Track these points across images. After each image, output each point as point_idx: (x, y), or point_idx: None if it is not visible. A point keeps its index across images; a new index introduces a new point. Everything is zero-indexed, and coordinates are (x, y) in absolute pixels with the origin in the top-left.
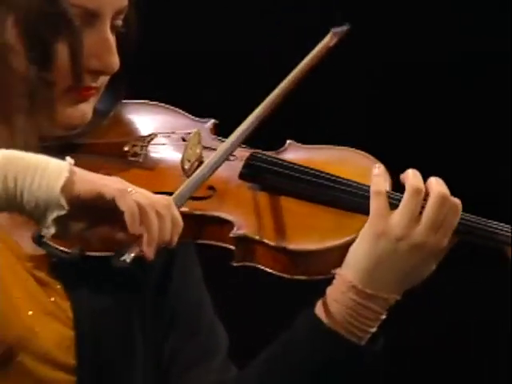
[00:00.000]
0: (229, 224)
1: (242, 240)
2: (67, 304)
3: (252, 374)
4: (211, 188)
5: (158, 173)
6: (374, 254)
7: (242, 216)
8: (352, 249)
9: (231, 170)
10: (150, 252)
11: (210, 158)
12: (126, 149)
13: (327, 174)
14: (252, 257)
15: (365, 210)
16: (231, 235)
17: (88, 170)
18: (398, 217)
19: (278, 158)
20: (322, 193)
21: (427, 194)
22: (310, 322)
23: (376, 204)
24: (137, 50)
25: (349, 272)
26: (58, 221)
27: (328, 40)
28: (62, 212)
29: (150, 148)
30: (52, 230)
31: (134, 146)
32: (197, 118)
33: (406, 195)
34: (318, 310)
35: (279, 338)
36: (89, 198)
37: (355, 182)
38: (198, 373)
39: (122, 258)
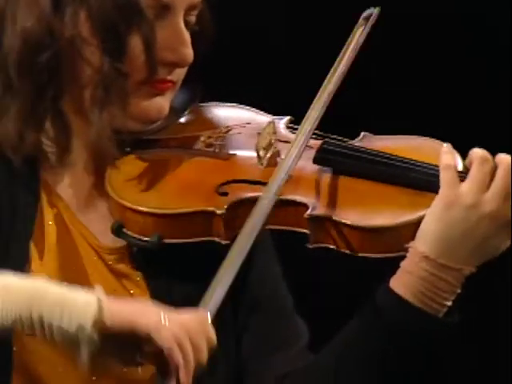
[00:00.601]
0: (303, 206)
1: (317, 220)
2: (146, 296)
3: (329, 354)
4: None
5: (234, 162)
6: (445, 224)
7: (316, 198)
8: (424, 221)
9: (305, 156)
10: (187, 380)
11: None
12: (200, 140)
13: (398, 156)
14: (327, 237)
15: (436, 189)
16: (306, 216)
17: (161, 162)
18: (467, 185)
19: (348, 143)
20: (393, 173)
21: (496, 168)
22: (386, 294)
23: (445, 176)
24: (211, 49)
25: (421, 243)
26: (92, 354)
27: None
28: (95, 346)
29: (226, 138)
30: (86, 362)
31: (209, 137)
32: (273, 116)
33: (473, 165)
34: (393, 283)
35: (356, 314)
36: (121, 332)
37: (426, 163)
38: (277, 360)
39: None
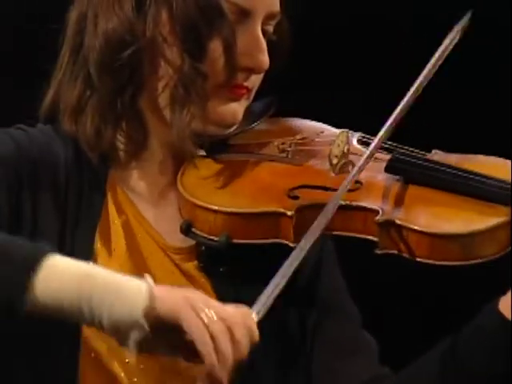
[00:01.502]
0: (374, 212)
1: (387, 225)
2: (212, 297)
3: (427, 367)
4: (358, 182)
5: (306, 168)
6: None
7: (387, 204)
8: None
9: (376, 167)
10: (222, 377)
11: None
12: (274, 146)
13: (466, 169)
14: (395, 243)
15: (505, 202)
16: (376, 220)
17: (235, 165)
18: None
19: (419, 154)
20: (463, 184)
21: None
22: (497, 319)
23: None
24: (287, 61)
25: None
26: (139, 341)
27: (453, 36)
28: (144, 334)
29: (299, 145)
30: (133, 349)
31: (283, 143)
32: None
33: None
34: (503, 308)
35: (461, 333)
36: (167, 321)
37: (496, 177)
38: (352, 362)
39: None
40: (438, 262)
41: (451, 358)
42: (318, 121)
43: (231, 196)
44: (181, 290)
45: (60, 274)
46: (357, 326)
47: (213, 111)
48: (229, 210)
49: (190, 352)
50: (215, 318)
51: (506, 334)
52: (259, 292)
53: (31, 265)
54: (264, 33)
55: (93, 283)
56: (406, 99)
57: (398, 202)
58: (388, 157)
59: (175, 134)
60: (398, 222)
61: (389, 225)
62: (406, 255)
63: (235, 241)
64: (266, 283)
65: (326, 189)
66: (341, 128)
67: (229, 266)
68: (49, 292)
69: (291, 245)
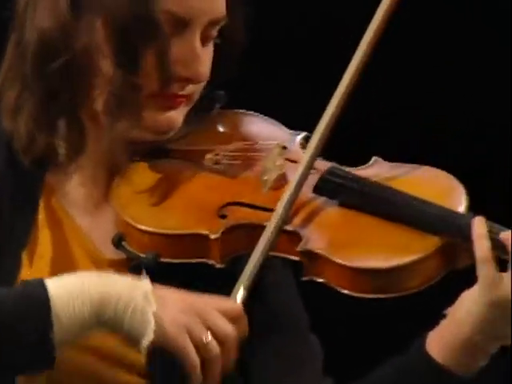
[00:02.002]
0: (297, 238)
1: (308, 255)
2: None
3: None
4: None
5: (237, 182)
6: (491, 317)
7: (310, 230)
8: (467, 300)
9: (308, 182)
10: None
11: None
12: (208, 156)
13: (402, 192)
14: (318, 272)
15: (436, 231)
16: (298, 249)
17: (169, 174)
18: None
19: (352, 174)
20: (394, 211)
21: None
22: (424, 361)
23: (484, 272)
24: (235, 63)
25: (465, 324)
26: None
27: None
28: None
29: (233, 157)
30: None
31: (216, 154)
32: (290, 131)
33: None
34: (430, 349)
35: (386, 372)
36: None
37: (429, 202)
38: (295, 378)
39: None
40: (361, 295)
41: None
42: (270, 116)
43: (160, 213)
44: (182, 306)
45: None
46: (303, 337)
47: (148, 119)
48: (155, 230)
49: None
50: (210, 341)
51: (436, 379)
52: None
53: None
54: (207, 39)
55: (107, 300)
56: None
57: (324, 226)
58: (326, 166)
59: (108, 143)
60: (319, 252)
61: (310, 254)
62: (331, 285)
63: (163, 259)
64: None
65: (255, 207)
66: (290, 123)
67: (161, 281)
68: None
69: (217, 266)
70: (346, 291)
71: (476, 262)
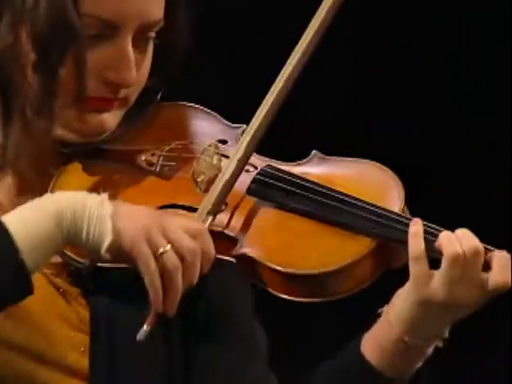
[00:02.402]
0: (232, 241)
1: (243, 258)
2: (86, 311)
3: None
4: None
5: (173, 184)
6: (421, 316)
7: (246, 233)
8: (399, 299)
9: (243, 182)
10: (171, 310)
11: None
12: (142, 158)
13: (337, 192)
14: (254, 276)
15: (369, 233)
16: (233, 253)
17: (102, 176)
18: (441, 285)
19: (287, 175)
20: (328, 213)
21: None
22: (358, 362)
23: (416, 270)
24: (173, 63)
25: (397, 323)
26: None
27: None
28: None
29: (167, 158)
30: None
31: (152, 154)
32: (230, 124)
33: (444, 262)
34: (365, 349)
35: (324, 371)
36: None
37: (365, 203)
38: (236, 381)
39: (139, 336)
40: (295, 299)
41: None
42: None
43: None
44: (142, 214)
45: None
46: (245, 336)
47: (78, 121)
48: None
49: None
50: (169, 250)
51: (369, 381)
52: (131, 309)
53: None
54: (144, 40)
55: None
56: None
57: (258, 229)
58: (263, 164)
59: (33, 145)
60: (253, 256)
61: (244, 258)
62: (266, 289)
63: (100, 264)
64: (138, 301)
65: (192, 209)
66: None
67: (101, 284)
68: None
69: None
70: (280, 295)
71: (409, 259)
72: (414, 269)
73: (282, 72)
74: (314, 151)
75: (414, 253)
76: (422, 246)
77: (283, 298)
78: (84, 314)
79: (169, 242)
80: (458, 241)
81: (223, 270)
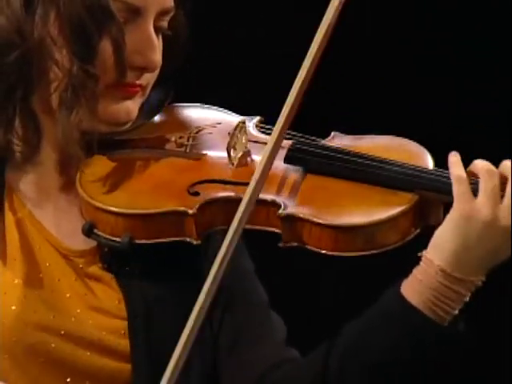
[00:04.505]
0: (275, 205)
1: (289, 219)
2: (120, 295)
3: (330, 353)
4: None
5: (205, 162)
6: (462, 238)
7: (288, 197)
8: (439, 232)
9: (278, 156)
10: None
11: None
12: (171, 140)
13: (368, 155)
14: (299, 237)
15: (408, 188)
16: (278, 215)
17: (131, 162)
18: (482, 200)
19: (319, 142)
20: (363, 172)
21: (505, 179)
22: (397, 301)
23: (459, 189)
24: (184, 54)
25: (437, 255)
26: None
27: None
28: None
29: (196, 139)
30: None
31: (180, 137)
32: (242, 116)
33: (482, 178)
34: (405, 289)
35: (362, 316)
36: None
37: (397, 161)
38: (257, 348)
39: None
40: (343, 254)
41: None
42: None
43: (130, 196)
44: None
45: None
46: (263, 310)
47: (105, 111)
48: (128, 211)
49: None
50: None
51: (410, 319)
52: (166, 288)
53: None
54: (158, 29)
55: None
56: (299, 79)
57: (300, 193)
58: (289, 143)
59: (62, 136)
60: (299, 215)
61: (291, 219)
62: (311, 248)
63: (138, 241)
64: (174, 281)
65: (226, 182)
66: (240, 112)
67: (134, 265)
68: None
69: (195, 242)
70: (327, 252)
71: (452, 182)
72: (456, 188)
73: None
74: (333, 132)
75: (455, 172)
76: (463, 169)
77: (329, 255)
78: (120, 299)
79: None
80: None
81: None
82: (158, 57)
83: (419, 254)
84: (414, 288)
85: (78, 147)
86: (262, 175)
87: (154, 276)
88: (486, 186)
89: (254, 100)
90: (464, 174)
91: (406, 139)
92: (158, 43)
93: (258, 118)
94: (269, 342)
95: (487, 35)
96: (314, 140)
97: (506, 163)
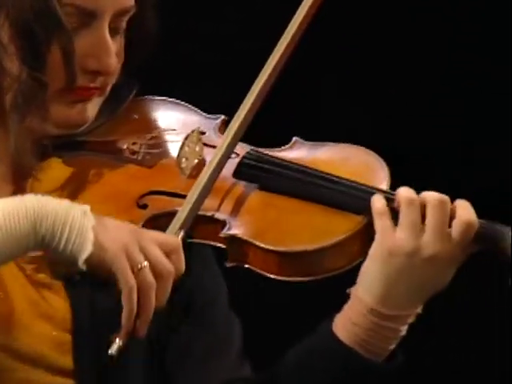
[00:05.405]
0: (221, 224)
1: (233, 240)
2: (67, 304)
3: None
4: None
5: (156, 171)
6: (388, 274)
7: (234, 215)
8: (365, 270)
9: (228, 167)
10: (142, 330)
11: (203, 172)
12: (124, 147)
13: (321, 172)
14: (244, 258)
15: (357, 210)
16: (221, 235)
17: (85, 167)
18: (402, 233)
19: (271, 156)
20: (314, 191)
21: (425, 206)
22: (329, 341)
23: (380, 224)
24: (145, 54)
25: (366, 295)
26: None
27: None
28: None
29: (150, 146)
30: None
31: (133, 143)
32: (207, 115)
33: (401, 209)
34: (337, 329)
35: (295, 352)
36: (102, 269)
37: (350, 181)
38: (209, 368)
39: (109, 352)
40: (289, 279)
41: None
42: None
43: None
44: (122, 228)
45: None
46: (220, 324)
47: (57, 114)
48: None
49: None
50: (146, 266)
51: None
52: (115, 296)
53: None
54: (115, 30)
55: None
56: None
57: (247, 211)
58: (247, 149)
59: (13, 144)
60: (243, 237)
61: (235, 239)
62: (257, 270)
63: None
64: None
65: (176, 195)
66: (205, 109)
67: (84, 273)
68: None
69: None
70: (272, 276)
71: (373, 217)
72: (377, 223)
73: (267, 62)
74: (294, 138)
75: (376, 209)
76: (384, 202)
77: (275, 280)
78: (66, 308)
79: (146, 259)
80: (421, 194)
81: (200, 257)
82: (112, 60)
83: (347, 291)
84: (348, 328)
85: (30, 157)
86: (204, 188)
87: (104, 286)
88: (405, 219)
89: (220, 97)
90: (384, 208)
91: (367, 150)
92: (113, 46)
93: (221, 118)
94: (221, 358)
95: (487, 35)
96: (263, 154)
97: (426, 193)
